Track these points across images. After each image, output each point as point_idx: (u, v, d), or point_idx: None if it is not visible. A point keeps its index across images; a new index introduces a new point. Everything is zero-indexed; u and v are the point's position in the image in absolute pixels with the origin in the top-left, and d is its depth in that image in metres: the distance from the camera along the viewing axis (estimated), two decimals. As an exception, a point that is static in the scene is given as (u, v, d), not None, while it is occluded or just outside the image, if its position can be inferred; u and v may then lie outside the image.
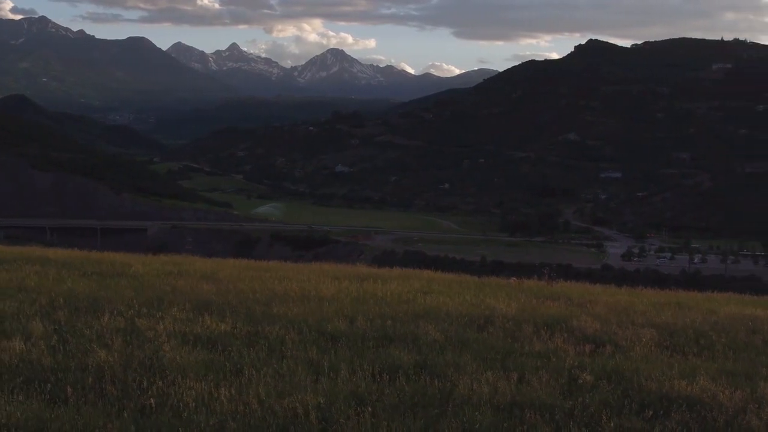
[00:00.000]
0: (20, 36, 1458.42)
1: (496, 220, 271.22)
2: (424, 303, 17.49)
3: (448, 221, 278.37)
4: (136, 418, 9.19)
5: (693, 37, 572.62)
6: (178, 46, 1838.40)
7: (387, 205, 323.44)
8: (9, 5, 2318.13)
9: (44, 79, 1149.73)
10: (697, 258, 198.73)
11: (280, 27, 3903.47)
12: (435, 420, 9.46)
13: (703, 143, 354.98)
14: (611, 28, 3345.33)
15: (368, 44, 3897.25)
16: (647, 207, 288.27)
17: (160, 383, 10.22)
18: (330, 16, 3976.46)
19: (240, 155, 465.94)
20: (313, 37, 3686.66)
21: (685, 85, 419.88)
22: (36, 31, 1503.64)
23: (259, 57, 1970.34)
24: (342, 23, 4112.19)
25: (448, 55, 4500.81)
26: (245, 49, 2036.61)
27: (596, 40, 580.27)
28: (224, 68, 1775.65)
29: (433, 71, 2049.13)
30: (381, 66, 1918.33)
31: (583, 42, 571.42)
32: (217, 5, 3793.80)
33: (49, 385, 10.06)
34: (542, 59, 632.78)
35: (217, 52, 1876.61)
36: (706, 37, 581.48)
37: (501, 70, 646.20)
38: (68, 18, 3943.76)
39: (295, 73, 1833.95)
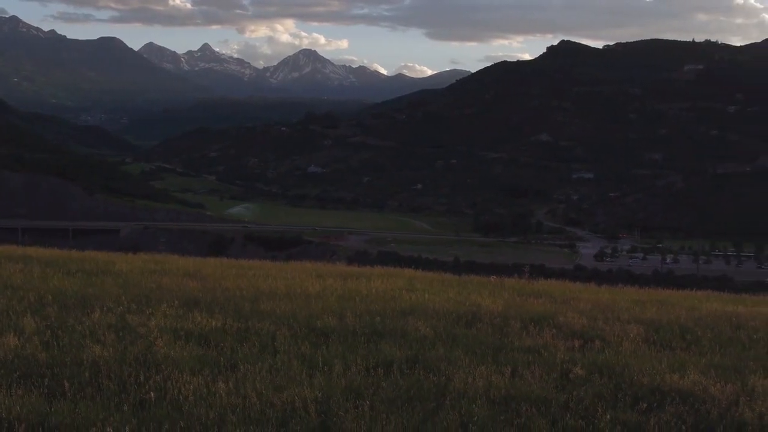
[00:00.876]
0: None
1: (469, 220, 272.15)
2: (410, 300, 17.60)
3: (421, 222, 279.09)
4: (135, 412, 9.22)
5: (665, 38, 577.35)
6: (150, 47, 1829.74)
7: (360, 206, 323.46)
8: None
9: (15, 79, 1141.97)
10: (669, 258, 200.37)
11: (252, 27, 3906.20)
12: (433, 413, 9.52)
13: (675, 144, 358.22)
14: (583, 29, 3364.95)
15: (341, 45, 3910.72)
16: (619, 207, 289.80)
17: (157, 378, 10.25)
18: (302, 17, 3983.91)
19: (212, 156, 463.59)
20: (285, 37, 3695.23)
21: (657, 86, 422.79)
22: (7, 31, 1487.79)
23: (231, 57, 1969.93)
24: (314, 24, 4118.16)
25: (420, 56, 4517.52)
26: (217, 49, 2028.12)
27: (568, 41, 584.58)
28: (196, 69, 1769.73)
29: (405, 72, 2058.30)
30: (353, 66, 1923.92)
31: (555, 43, 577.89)
32: (189, 5, 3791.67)
33: (46, 380, 10.05)
34: (514, 60, 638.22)
35: (189, 53, 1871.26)
36: (678, 39, 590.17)
37: (473, 71, 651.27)
38: (39, 18, 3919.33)
39: (268, 74, 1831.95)
